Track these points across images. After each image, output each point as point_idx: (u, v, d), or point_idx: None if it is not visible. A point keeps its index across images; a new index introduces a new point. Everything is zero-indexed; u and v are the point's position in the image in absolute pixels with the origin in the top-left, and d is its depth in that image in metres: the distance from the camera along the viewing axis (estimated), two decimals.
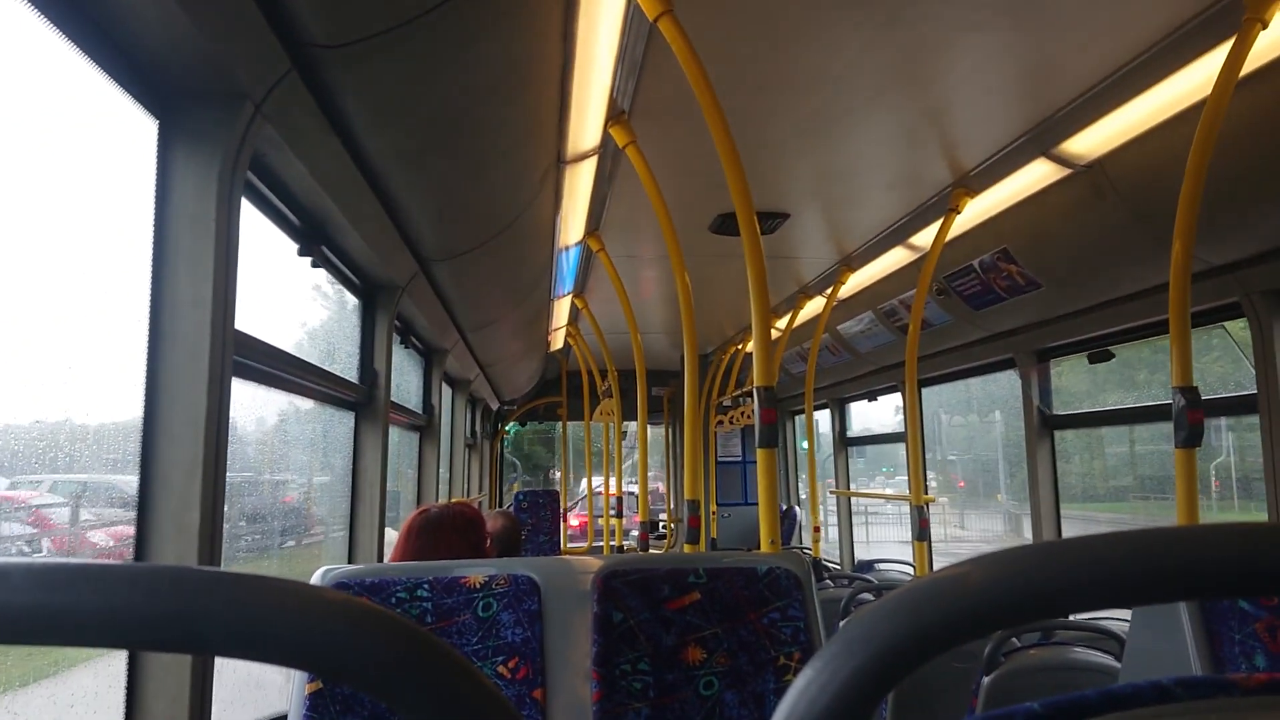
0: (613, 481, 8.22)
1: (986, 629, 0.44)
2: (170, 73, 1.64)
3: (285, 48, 1.74)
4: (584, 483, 11.56)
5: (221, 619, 0.40)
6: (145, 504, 1.67)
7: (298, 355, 2.54)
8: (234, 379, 1.87)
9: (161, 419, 1.68)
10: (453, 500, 3.43)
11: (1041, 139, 3.20)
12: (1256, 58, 2.34)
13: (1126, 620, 2.87)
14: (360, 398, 3.31)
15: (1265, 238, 2.94)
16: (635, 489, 8.87)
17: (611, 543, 8.05)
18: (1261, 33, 2.25)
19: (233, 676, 2.31)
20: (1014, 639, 2.92)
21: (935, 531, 5.17)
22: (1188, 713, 0.50)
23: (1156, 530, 0.44)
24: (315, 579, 1.92)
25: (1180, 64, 2.55)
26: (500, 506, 11.35)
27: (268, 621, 0.41)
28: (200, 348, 1.69)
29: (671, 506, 10.67)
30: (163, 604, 0.40)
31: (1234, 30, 2.27)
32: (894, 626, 0.44)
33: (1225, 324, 3.46)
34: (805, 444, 6.92)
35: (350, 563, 3.27)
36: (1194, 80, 2.58)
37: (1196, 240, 2.56)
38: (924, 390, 6.08)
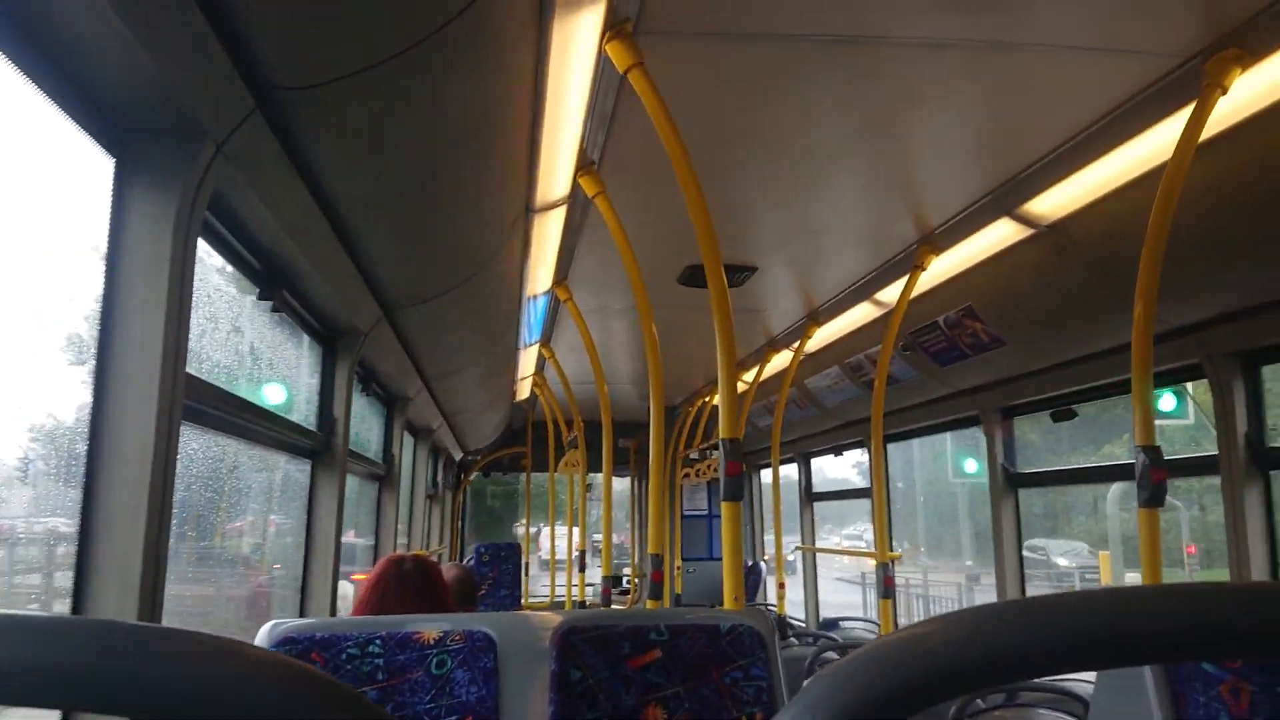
0: (576, 534, 8.12)
1: (951, 693, 0.41)
2: (129, 110, 1.60)
3: (249, 88, 1.71)
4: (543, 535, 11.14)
5: (146, 677, 0.37)
6: (85, 551, 1.60)
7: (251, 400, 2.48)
8: (184, 423, 1.82)
9: (105, 462, 1.61)
10: (412, 553, 3.36)
11: (1005, 199, 3.24)
12: (1216, 123, 2.38)
13: (1090, 682, 2.84)
14: (317, 445, 3.24)
15: (1226, 300, 2.99)
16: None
17: (574, 598, 7.92)
18: (1221, 99, 2.29)
19: None
20: (978, 700, 2.88)
21: None
22: None
23: (1123, 589, 0.41)
24: (263, 633, 1.85)
25: (1142, 127, 2.60)
26: (460, 559, 11.16)
27: (195, 681, 0.37)
28: (149, 390, 1.63)
29: (636, 560, 10.55)
30: (90, 660, 0.37)
31: (1194, 96, 2.32)
32: (854, 691, 0.41)
33: (1189, 384, 3.50)
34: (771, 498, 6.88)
35: (302, 615, 3.17)
36: (1155, 144, 2.62)
37: (1158, 301, 2.59)
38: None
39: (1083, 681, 2.99)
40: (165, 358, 1.65)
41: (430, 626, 1.89)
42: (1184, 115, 2.39)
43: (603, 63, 2.43)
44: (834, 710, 0.41)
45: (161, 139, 1.67)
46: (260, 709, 0.38)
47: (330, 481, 3.28)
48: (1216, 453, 3.19)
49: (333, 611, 3.26)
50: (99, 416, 1.61)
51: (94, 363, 1.61)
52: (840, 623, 5.92)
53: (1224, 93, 2.29)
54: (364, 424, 4.72)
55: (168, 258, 1.66)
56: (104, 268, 1.64)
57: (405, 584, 2.30)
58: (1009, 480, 4.68)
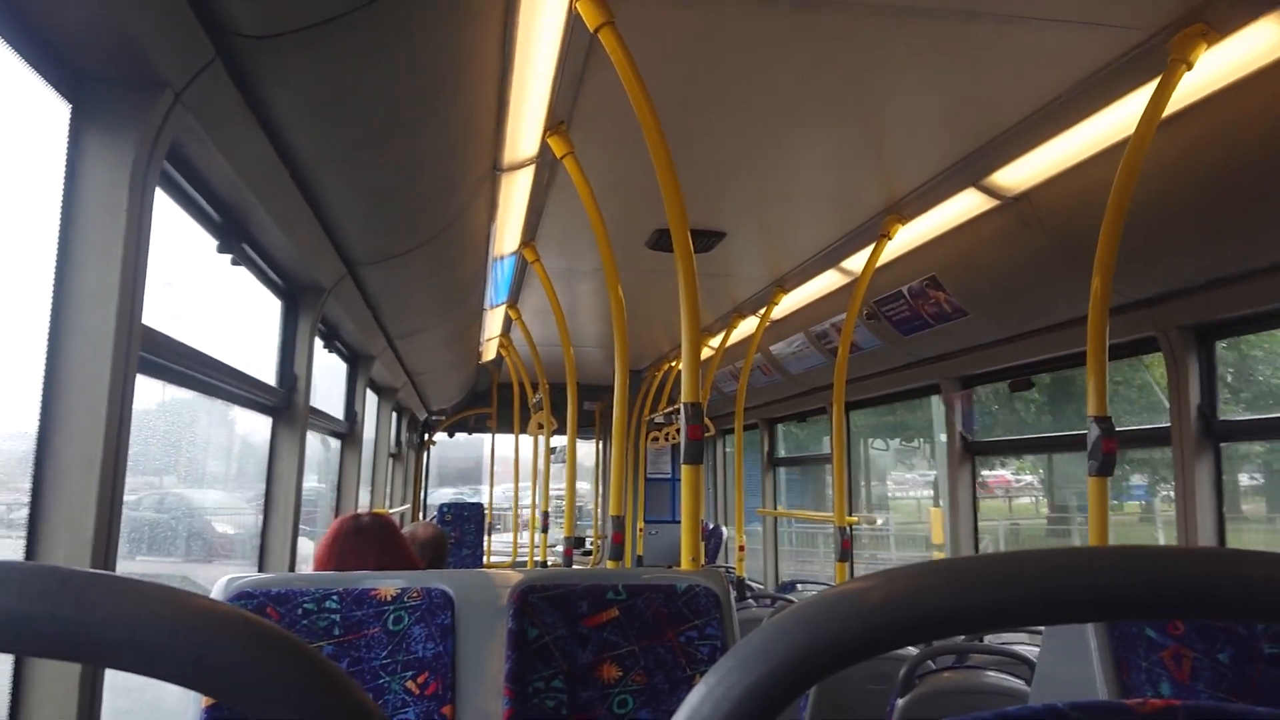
0: (540, 495, 8.15)
1: (886, 646, 0.42)
2: (86, 55, 1.57)
3: (210, 36, 1.68)
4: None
5: (88, 624, 0.37)
6: (37, 505, 1.59)
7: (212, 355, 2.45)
8: (141, 376, 1.80)
9: (59, 414, 1.59)
10: (371, 511, 3.35)
11: (971, 169, 3.26)
12: (1180, 99, 2.40)
13: (1037, 645, 2.92)
14: (278, 402, 3.22)
15: (1182, 275, 3.04)
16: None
17: (536, 558, 7.96)
18: (1185, 74, 2.31)
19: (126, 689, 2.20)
20: (929, 661, 2.95)
21: None
22: None
23: (1055, 551, 0.43)
24: (218, 587, 1.85)
25: (1107, 101, 2.61)
26: (423, 519, 11.15)
27: (139, 629, 0.38)
28: (104, 342, 1.61)
29: (598, 523, 10.62)
30: (39, 605, 0.37)
31: (1159, 70, 2.34)
32: (792, 641, 0.42)
33: (1144, 357, 3.56)
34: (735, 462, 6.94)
35: (260, 572, 3.17)
36: (1120, 118, 2.64)
37: (1116, 275, 2.63)
38: None
39: (1030, 645, 3.07)
40: (121, 309, 1.62)
41: (388, 583, 1.90)
42: (1148, 90, 2.41)
43: (573, 20, 2.40)
44: (771, 660, 0.42)
45: (119, 86, 1.63)
46: (201, 658, 0.38)
47: (291, 438, 3.26)
48: (1169, 425, 3.26)
49: (291, 568, 3.26)
50: (53, 367, 1.59)
51: (49, 314, 1.59)
52: (797, 585, 6.01)
53: (1189, 68, 2.31)
54: (326, 381, 4.69)
55: (124, 208, 1.63)
56: (59, 217, 1.61)
57: (362, 540, 2.29)
58: (966, 448, 4.75)
